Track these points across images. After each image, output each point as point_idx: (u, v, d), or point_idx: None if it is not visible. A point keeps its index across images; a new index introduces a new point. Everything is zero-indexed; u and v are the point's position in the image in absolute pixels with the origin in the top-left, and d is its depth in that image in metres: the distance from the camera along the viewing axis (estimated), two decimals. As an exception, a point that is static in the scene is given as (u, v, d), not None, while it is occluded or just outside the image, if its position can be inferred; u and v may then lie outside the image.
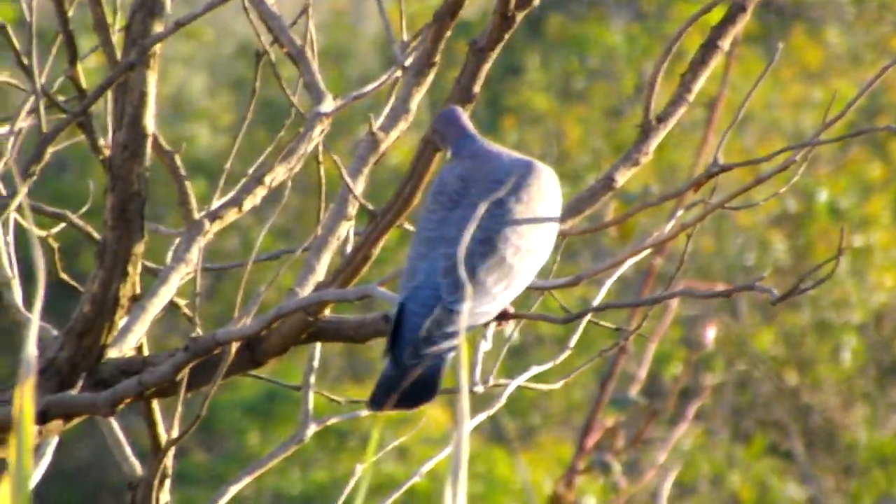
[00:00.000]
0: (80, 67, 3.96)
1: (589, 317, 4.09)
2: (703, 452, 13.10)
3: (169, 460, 4.15)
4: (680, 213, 3.82)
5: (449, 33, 3.89)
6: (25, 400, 2.47)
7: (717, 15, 3.89)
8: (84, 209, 4.44)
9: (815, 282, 3.13)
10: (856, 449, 13.04)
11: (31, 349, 2.52)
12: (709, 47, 3.87)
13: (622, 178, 3.88)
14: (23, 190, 3.85)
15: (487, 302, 3.21)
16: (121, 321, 3.95)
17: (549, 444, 13.43)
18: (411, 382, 3.05)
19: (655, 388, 12.66)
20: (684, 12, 13.17)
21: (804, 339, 13.31)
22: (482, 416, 4.05)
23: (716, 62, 3.88)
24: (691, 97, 3.88)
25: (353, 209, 4.08)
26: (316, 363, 4.36)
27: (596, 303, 4.02)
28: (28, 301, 4.31)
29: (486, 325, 3.31)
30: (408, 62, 4.08)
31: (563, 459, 12.19)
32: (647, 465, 11.99)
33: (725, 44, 3.87)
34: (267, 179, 4.14)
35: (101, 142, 3.98)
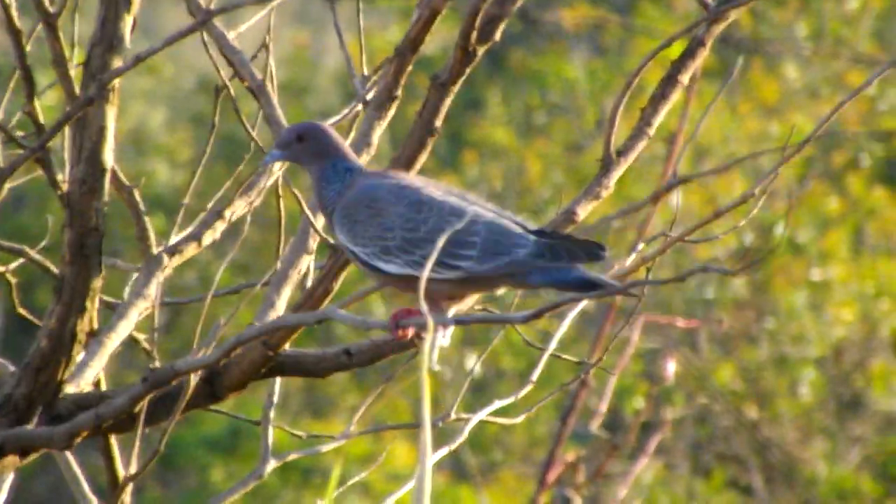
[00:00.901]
0: (37, 103, 3.94)
1: (551, 350, 4.09)
2: (663, 487, 13.11)
3: (127, 496, 4.11)
4: (641, 245, 3.83)
5: (410, 68, 3.89)
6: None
7: (676, 50, 3.92)
8: (42, 244, 4.41)
9: (766, 251, 3.14)
10: (815, 483, 13.08)
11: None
12: (669, 81, 3.89)
13: (584, 211, 3.89)
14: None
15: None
16: (78, 356, 3.92)
17: (511, 479, 13.41)
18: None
19: (616, 422, 12.67)
20: (644, 47, 13.26)
21: (763, 373, 13.36)
22: (444, 451, 4.04)
23: (676, 96, 3.90)
24: (652, 131, 3.90)
25: (313, 243, 4.07)
26: (276, 398, 4.34)
27: (557, 336, 4.02)
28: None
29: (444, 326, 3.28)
30: (369, 96, 4.08)
31: (525, 495, 12.16)
32: (608, 500, 11.99)
33: (685, 78, 3.90)
34: (227, 213, 4.12)
35: (60, 177, 3.96)
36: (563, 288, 3.22)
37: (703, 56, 3.91)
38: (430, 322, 3.19)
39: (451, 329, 3.29)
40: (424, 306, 2.88)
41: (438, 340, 3.27)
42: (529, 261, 3.22)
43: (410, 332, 3.28)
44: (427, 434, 2.54)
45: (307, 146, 3.31)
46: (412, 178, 3.32)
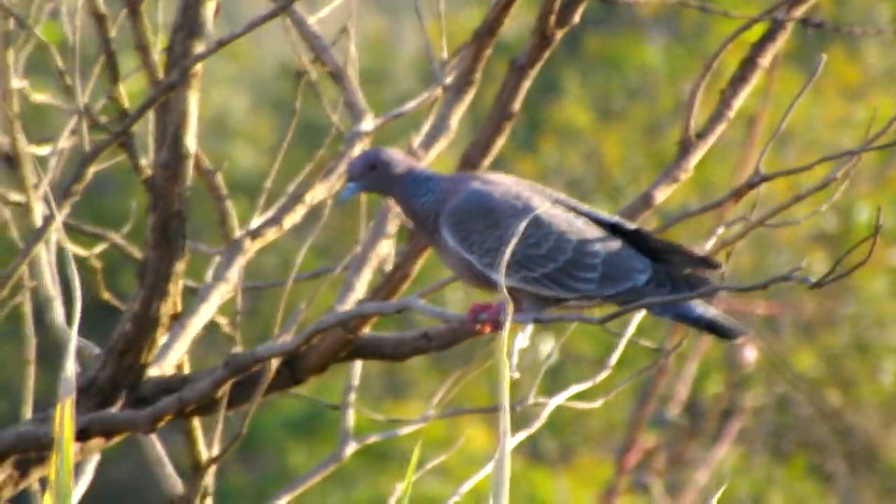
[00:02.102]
0: (121, 87, 3.99)
1: (628, 336, 4.08)
2: (743, 473, 13.03)
3: (209, 478, 4.16)
4: (720, 230, 3.81)
5: (488, 52, 3.89)
6: (65, 418, 2.48)
7: (756, 33, 3.89)
8: (125, 229, 4.47)
9: (853, 266, 3.11)
10: (898, 470, 12.94)
11: (69, 368, 2.53)
12: (749, 64, 3.86)
13: (661, 195, 3.87)
14: (64, 210, 3.88)
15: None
16: (161, 339, 3.97)
17: (588, 464, 13.39)
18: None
19: (695, 409, 12.60)
20: (722, 30, 13.15)
21: (844, 359, 13.22)
22: (522, 435, 4.05)
23: (756, 79, 3.87)
24: (731, 113, 3.87)
25: (392, 227, 4.09)
26: (356, 381, 4.37)
27: (635, 321, 4.01)
28: (70, 320, 4.33)
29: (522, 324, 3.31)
30: (448, 80, 4.09)
31: (602, 479, 12.14)
32: (687, 486, 11.94)
33: (765, 61, 3.86)
34: (307, 198, 4.15)
35: (143, 162, 4.00)
36: (682, 322, 3.24)
37: (784, 39, 3.88)
38: (508, 323, 3.20)
39: (530, 328, 3.30)
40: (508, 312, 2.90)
41: (518, 342, 3.28)
42: (650, 290, 3.22)
43: (488, 327, 3.30)
44: (506, 419, 2.55)
45: (381, 172, 3.33)
46: (506, 179, 3.34)
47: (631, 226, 3.31)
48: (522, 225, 3.23)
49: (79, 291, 2.62)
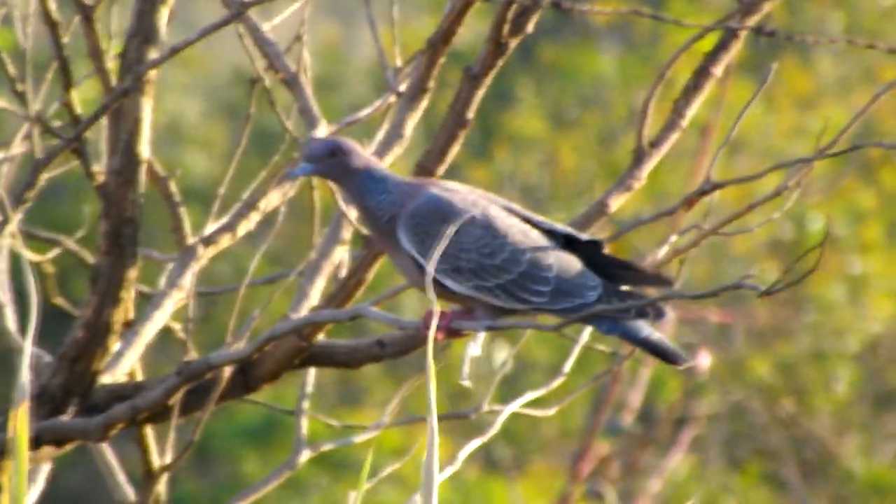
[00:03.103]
0: (74, 94, 3.97)
1: (583, 341, 4.09)
2: (697, 481, 13.08)
3: (162, 487, 4.14)
4: (673, 238, 3.82)
5: (442, 60, 3.90)
6: (20, 424, 2.47)
7: (708, 42, 3.91)
8: (78, 235, 4.44)
9: (803, 274, 3.12)
10: (851, 478, 13.03)
11: (25, 374, 2.52)
12: (702, 73, 3.88)
13: (615, 203, 3.89)
14: (16, 215, 3.86)
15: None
16: (114, 346, 3.95)
17: (543, 472, 13.41)
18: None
19: (650, 416, 12.64)
20: (675, 40, 13.22)
21: (799, 367, 13.31)
22: (477, 443, 4.05)
23: (709, 88, 3.89)
24: (685, 122, 3.89)
25: (347, 234, 4.09)
26: (310, 389, 4.36)
27: (590, 327, 4.02)
28: (22, 327, 4.30)
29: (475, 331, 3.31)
30: (401, 88, 4.10)
31: (557, 488, 12.16)
32: (641, 494, 11.97)
33: (718, 70, 3.89)
34: (261, 204, 4.14)
35: (96, 168, 3.99)
36: (628, 342, 3.26)
37: (736, 48, 3.90)
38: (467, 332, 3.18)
39: (482, 336, 3.31)
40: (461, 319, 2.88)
41: (470, 350, 3.29)
42: (599, 307, 3.23)
43: (441, 334, 3.30)
44: (433, 426, 2.55)
45: (340, 161, 3.32)
46: (463, 188, 3.34)
47: (584, 237, 3.32)
48: (454, 227, 3.23)
49: (35, 298, 2.61)
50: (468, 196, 3.31)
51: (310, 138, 3.48)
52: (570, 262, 3.28)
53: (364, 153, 3.35)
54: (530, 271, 3.25)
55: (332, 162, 3.32)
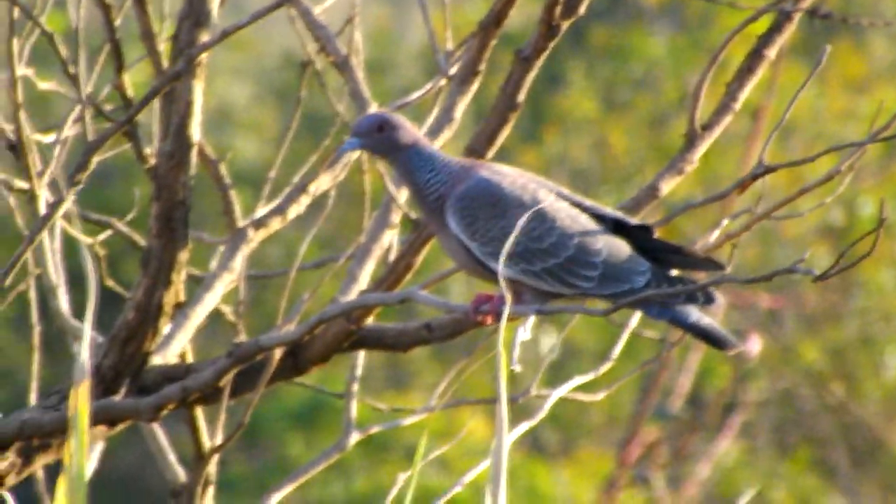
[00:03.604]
0: (126, 77, 3.99)
1: (631, 327, 4.07)
2: (746, 467, 13.03)
3: (212, 468, 4.17)
4: (725, 222, 3.80)
5: (493, 43, 3.89)
6: (80, 402, 2.49)
7: (762, 25, 3.88)
8: (129, 217, 4.47)
9: (857, 259, 3.10)
10: (901, 464, 12.93)
11: (84, 354, 2.54)
12: (755, 56, 3.85)
13: (667, 186, 3.87)
14: (69, 197, 3.88)
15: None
16: (164, 328, 3.97)
17: (590, 457, 13.39)
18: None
19: (698, 402, 12.59)
20: (727, 22, 13.13)
21: (849, 353, 13.21)
22: (524, 428, 4.05)
23: (762, 71, 3.86)
24: (737, 105, 3.86)
25: (396, 218, 4.09)
26: (359, 372, 4.37)
27: (639, 313, 4.01)
28: (74, 307, 4.33)
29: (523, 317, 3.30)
30: (452, 71, 4.09)
31: (604, 473, 12.14)
32: (688, 479, 11.93)
33: (771, 52, 3.85)
34: (311, 188, 4.15)
35: (147, 151, 4.00)
36: (677, 327, 3.24)
37: (790, 31, 3.86)
38: (508, 313, 3.17)
39: (532, 320, 3.29)
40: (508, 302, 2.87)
41: (520, 335, 3.27)
42: (648, 292, 3.21)
43: (490, 318, 3.29)
44: (503, 409, 2.55)
45: (388, 136, 3.31)
46: (513, 171, 3.33)
47: (633, 222, 3.30)
48: (524, 218, 3.22)
49: (93, 280, 2.63)
50: (517, 179, 3.30)
51: (359, 116, 3.48)
52: (620, 247, 3.26)
53: (412, 129, 3.34)
54: (578, 256, 3.24)
55: (380, 136, 3.31)
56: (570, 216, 3.27)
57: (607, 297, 3.25)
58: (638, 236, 3.29)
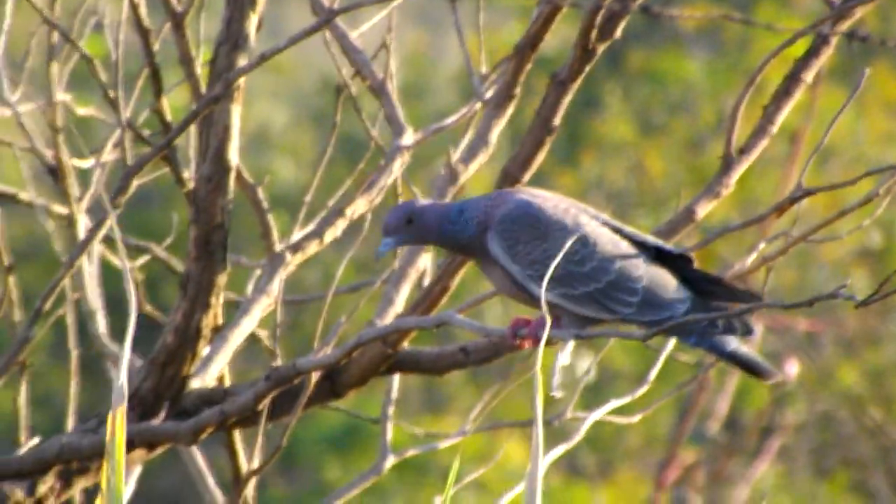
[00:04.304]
0: (165, 101, 4.02)
1: (668, 350, 4.06)
2: (784, 490, 12.94)
3: (250, 491, 4.17)
4: (762, 245, 3.79)
5: (529, 66, 3.89)
6: (118, 426, 2.50)
7: (800, 48, 3.87)
8: (167, 241, 4.49)
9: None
10: (941, 488, 12.82)
11: (123, 377, 2.56)
12: (792, 79, 3.84)
13: (703, 209, 3.86)
14: (108, 221, 3.91)
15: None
16: (203, 352, 3.99)
17: (627, 480, 13.34)
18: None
19: (736, 424, 12.53)
20: (765, 45, 13.10)
21: (888, 376, 13.12)
22: (560, 450, 4.04)
23: (799, 94, 3.85)
24: (774, 129, 3.85)
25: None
26: (395, 395, 4.37)
27: (672, 342, 4.00)
28: (112, 332, 4.35)
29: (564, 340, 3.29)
30: (488, 95, 4.10)
31: (642, 496, 12.08)
32: (726, 503, 11.86)
33: (809, 76, 3.84)
34: (348, 211, 4.16)
35: (186, 174, 4.02)
36: (715, 356, 3.24)
37: (828, 54, 3.86)
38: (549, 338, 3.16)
39: (572, 345, 3.28)
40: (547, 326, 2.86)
41: (560, 360, 3.26)
42: (688, 317, 3.21)
43: (528, 342, 3.28)
44: (539, 432, 2.55)
45: (417, 225, 3.31)
46: (551, 195, 3.33)
47: (675, 250, 3.29)
48: (570, 242, 3.21)
49: (134, 303, 2.65)
50: (559, 203, 3.29)
51: (387, 212, 3.47)
52: (660, 275, 3.26)
53: (433, 203, 3.34)
54: (619, 281, 3.23)
55: (411, 228, 3.32)
56: (611, 241, 3.26)
57: (646, 323, 3.24)
58: (678, 266, 3.28)
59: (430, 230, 3.31)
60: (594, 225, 3.27)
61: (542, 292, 3.04)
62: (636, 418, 4.24)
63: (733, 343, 3.23)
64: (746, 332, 3.21)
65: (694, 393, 10.15)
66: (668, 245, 3.30)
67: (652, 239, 3.30)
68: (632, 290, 3.23)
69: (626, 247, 3.27)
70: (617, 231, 3.29)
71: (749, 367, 3.25)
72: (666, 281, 3.25)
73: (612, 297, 3.23)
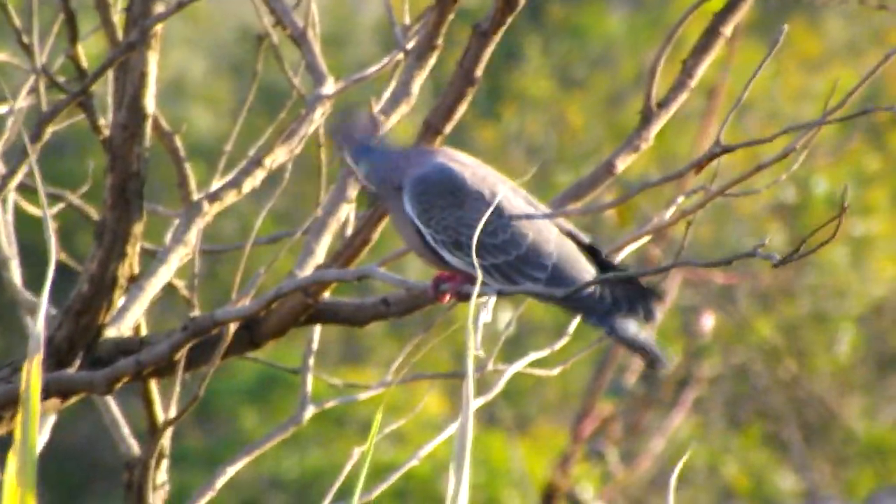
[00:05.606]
0: (80, 47, 3.96)
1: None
2: (699, 441, 13.12)
3: (166, 441, 4.15)
4: (680, 199, 3.81)
5: (451, 17, 3.88)
6: (33, 375, 2.48)
7: (717, 3, 3.89)
8: (83, 189, 4.44)
9: (816, 245, 3.12)
10: (852, 440, 13.06)
11: (39, 327, 2.53)
12: (711, 33, 3.86)
13: (622, 164, 3.88)
14: (22, 168, 3.85)
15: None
16: (119, 301, 3.95)
17: (545, 432, 13.45)
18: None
19: (652, 378, 12.67)
20: (685, 2, 13.17)
21: (802, 329, 13.32)
22: (480, 402, 4.05)
23: (718, 49, 3.87)
24: (693, 83, 3.87)
25: (353, 192, 4.08)
26: (315, 346, 4.36)
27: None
28: (26, 280, 4.30)
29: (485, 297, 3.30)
30: (409, 45, 4.08)
31: (559, 447, 12.21)
32: (642, 454, 12.01)
33: (727, 30, 3.86)
34: (267, 161, 4.13)
35: (101, 122, 3.97)
36: (615, 339, 3.25)
37: (746, 9, 3.88)
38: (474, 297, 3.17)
39: (493, 301, 3.29)
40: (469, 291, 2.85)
41: (482, 317, 3.27)
42: (595, 301, 3.21)
43: (449, 297, 3.29)
44: (470, 385, 2.56)
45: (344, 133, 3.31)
46: (470, 160, 3.31)
47: (585, 239, 3.30)
48: (486, 211, 3.21)
49: (53, 251, 2.62)
50: (477, 170, 3.29)
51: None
52: (571, 251, 3.26)
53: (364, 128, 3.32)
54: (528, 256, 3.23)
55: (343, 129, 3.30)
56: (525, 215, 3.26)
57: (555, 300, 3.24)
58: (589, 252, 3.29)
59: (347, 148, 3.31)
60: (511, 196, 3.26)
61: (474, 258, 3.04)
62: (555, 371, 4.27)
63: (633, 327, 3.25)
64: (648, 316, 3.23)
65: (611, 347, 10.24)
66: (580, 233, 3.30)
67: (566, 225, 3.30)
68: (541, 265, 3.24)
69: (539, 221, 3.27)
70: (532, 206, 3.29)
71: (644, 354, 3.27)
72: (576, 258, 3.26)
73: (520, 271, 3.23)
